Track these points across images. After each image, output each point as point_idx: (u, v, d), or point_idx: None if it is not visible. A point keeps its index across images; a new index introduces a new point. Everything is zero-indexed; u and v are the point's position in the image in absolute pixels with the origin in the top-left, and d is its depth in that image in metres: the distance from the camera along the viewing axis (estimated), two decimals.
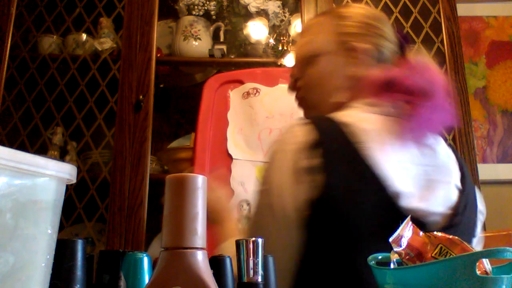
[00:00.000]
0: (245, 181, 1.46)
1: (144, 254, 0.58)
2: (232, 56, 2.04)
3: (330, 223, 0.79)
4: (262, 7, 2.01)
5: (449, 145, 0.97)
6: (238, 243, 0.55)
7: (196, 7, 2.00)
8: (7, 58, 1.90)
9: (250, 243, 0.54)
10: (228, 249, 0.90)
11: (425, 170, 0.85)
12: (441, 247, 0.56)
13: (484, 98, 2.31)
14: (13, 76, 1.92)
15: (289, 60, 1.97)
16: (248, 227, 0.92)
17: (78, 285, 0.52)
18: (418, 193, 0.82)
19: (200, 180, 0.45)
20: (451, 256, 0.55)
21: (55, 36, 2.02)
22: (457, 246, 0.55)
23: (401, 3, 1.99)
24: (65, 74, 1.93)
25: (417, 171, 0.84)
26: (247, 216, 1.45)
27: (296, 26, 2.02)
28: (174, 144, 2.02)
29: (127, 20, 1.92)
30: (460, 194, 0.87)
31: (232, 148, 1.49)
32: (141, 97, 1.81)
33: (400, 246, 0.57)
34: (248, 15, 2.04)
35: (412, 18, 1.97)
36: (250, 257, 0.54)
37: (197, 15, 2.01)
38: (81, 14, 2.00)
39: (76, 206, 1.77)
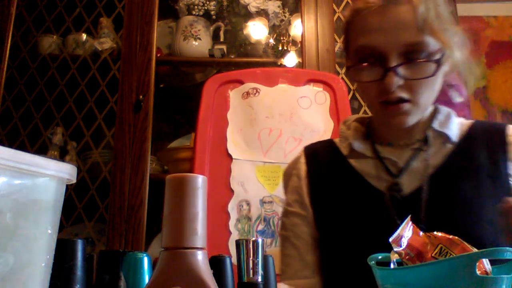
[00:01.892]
0: (244, 181, 1.47)
1: (144, 254, 0.58)
2: (232, 56, 2.04)
3: None
4: (262, 7, 2.01)
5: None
6: (238, 243, 0.55)
7: (196, 7, 2.00)
8: (7, 58, 1.90)
9: (250, 243, 0.54)
10: None
11: None
12: (441, 247, 0.56)
13: (484, 98, 2.31)
14: (13, 76, 1.92)
15: (289, 60, 1.97)
16: None
17: (78, 285, 0.52)
18: None
19: (200, 180, 0.45)
20: (451, 256, 0.55)
21: (55, 36, 2.02)
22: (457, 246, 0.55)
23: None
24: (65, 74, 1.93)
25: None
26: (246, 215, 1.45)
27: (296, 26, 2.02)
28: (174, 144, 2.02)
29: (127, 20, 1.92)
30: None
31: (232, 148, 1.49)
32: (141, 97, 1.81)
33: (400, 246, 0.57)
34: (248, 15, 2.04)
35: None
36: (250, 257, 0.54)
37: (197, 15, 2.01)
38: (81, 14, 2.00)
39: (76, 206, 1.77)
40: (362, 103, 1.86)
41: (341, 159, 0.95)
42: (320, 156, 0.99)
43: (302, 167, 0.99)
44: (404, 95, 0.83)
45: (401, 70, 0.82)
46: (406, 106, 0.84)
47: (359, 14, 0.86)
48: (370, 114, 2.01)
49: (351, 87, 1.85)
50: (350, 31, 0.90)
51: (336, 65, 1.88)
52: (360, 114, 1.06)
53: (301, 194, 0.96)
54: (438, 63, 0.83)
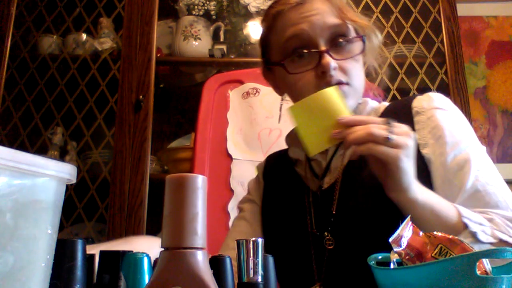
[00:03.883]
0: (244, 181, 1.46)
1: (144, 254, 0.58)
2: (232, 56, 2.04)
3: None
4: (262, 7, 2.01)
5: None
6: (238, 243, 0.55)
7: (196, 7, 2.00)
8: (7, 58, 1.90)
9: (250, 243, 0.54)
10: None
11: None
12: (441, 247, 0.56)
13: (484, 98, 2.31)
14: (13, 76, 1.92)
15: None
16: None
17: (78, 285, 0.52)
18: None
19: (200, 180, 0.45)
20: (451, 256, 0.55)
21: (55, 36, 2.02)
22: (457, 246, 0.55)
23: (401, 3, 1.99)
24: (65, 74, 1.93)
25: None
26: None
27: None
28: (174, 144, 2.02)
29: (127, 20, 1.92)
30: None
31: (231, 148, 1.49)
32: (141, 97, 1.81)
33: (400, 246, 0.57)
34: (248, 15, 2.04)
35: (412, 18, 1.97)
36: (250, 257, 0.54)
37: (197, 15, 2.01)
38: (81, 14, 2.00)
39: (76, 206, 1.77)
40: None
41: (289, 166, 1.01)
42: (275, 162, 1.08)
43: (261, 171, 1.09)
44: (341, 78, 0.86)
45: (332, 53, 0.86)
46: (345, 88, 0.86)
47: (280, 14, 0.91)
48: None
49: None
50: (272, 35, 0.93)
51: None
52: None
53: (259, 189, 1.05)
54: (363, 40, 0.90)
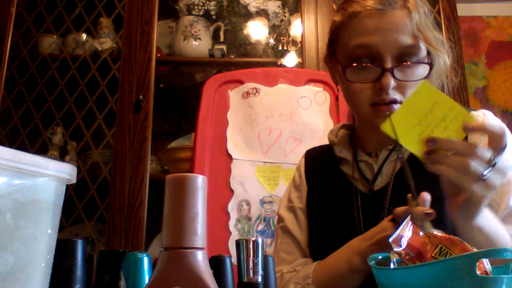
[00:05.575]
0: (244, 181, 1.47)
1: (144, 254, 0.58)
2: (232, 56, 2.04)
3: None
4: (262, 7, 2.01)
5: None
6: (238, 243, 0.55)
7: (196, 7, 2.00)
8: (7, 58, 1.90)
9: (250, 243, 0.54)
10: None
11: None
12: (441, 247, 0.56)
13: (484, 98, 2.31)
14: (13, 76, 1.92)
15: (289, 60, 1.97)
16: None
17: (78, 285, 0.52)
18: None
19: (200, 180, 0.45)
20: (451, 256, 0.55)
21: (55, 36, 2.02)
22: (457, 246, 0.55)
23: None
24: (65, 74, 1.93)
25: None
26: (246, 215, 1.45)
27: (296, 26, 2.02)
28: (174, 144, 2.02)
29: (127, 20, 1.92)
30: None
31: (231, 148, 1.49)
32: (141, 97, 1.81)
33: (400, 246, 0.57)
34: (248, 15, 2.04)
35: None
36: (250, 257, 0.54)
37: (197, 15, 2.01)
38: (81, 14, 2.00)
39: (76, 206, 1.77)
40: None
41: (334, 164, 1.01)
42: (317, 160, 1.07)
43: (302, 169, 1.07)
44: (397, 96, 0.86)
45: (396, 72, 0.85)
46: (397, 107, 0.86)
47: (356, 16, 0.88)
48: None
49: None
50: (343, 33, 0.91)
51: None
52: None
53: (301, 191, 1.03)
54: (431, 65, 0.88)
